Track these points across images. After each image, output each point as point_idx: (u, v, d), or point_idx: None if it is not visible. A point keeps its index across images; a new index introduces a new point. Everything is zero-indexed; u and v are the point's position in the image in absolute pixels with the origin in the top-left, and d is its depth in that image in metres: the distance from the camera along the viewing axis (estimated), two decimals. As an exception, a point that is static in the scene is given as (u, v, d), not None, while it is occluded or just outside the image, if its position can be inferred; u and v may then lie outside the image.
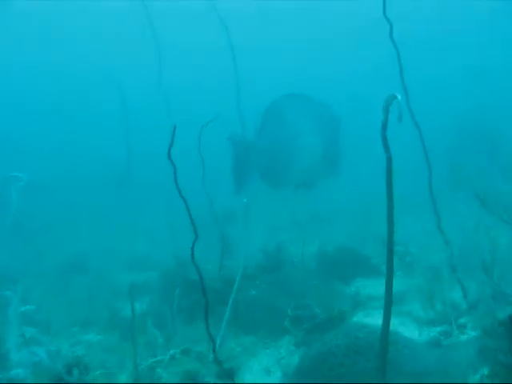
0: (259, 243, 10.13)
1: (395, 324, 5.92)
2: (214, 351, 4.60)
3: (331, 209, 14.43)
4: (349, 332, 4.80)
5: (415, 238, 9.93)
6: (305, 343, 5.69)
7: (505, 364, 3.83)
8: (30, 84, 31.86)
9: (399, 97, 3.41)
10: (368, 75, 26.63)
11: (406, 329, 5.89)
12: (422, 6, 23.48)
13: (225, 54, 10.19)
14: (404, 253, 8.03)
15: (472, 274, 6.74)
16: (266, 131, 6.72)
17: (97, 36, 25.61)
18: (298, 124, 7.05)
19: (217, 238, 8.86)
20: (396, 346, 4.54)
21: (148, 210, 14.43)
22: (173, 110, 10.85)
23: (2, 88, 31.64)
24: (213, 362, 4.96)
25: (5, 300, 6.28)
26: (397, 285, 7.46)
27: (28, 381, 4.90)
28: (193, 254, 4.31)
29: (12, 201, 10.77)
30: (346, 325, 5.33)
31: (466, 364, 4.41)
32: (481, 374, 4.22)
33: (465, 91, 18.07)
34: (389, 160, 3.70)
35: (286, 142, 7.13)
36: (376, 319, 6.28)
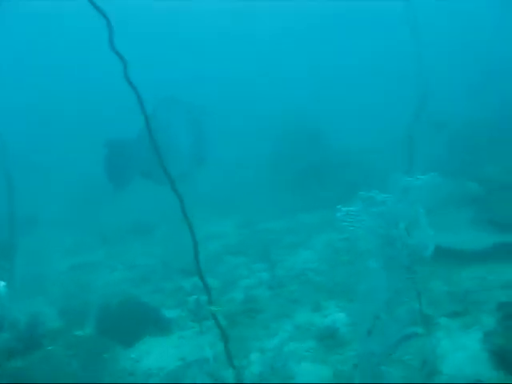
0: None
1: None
2: None
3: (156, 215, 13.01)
4: None
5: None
6: None
7: None
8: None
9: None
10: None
11: None
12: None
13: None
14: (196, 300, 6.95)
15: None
16: (146, 133, 7.05)
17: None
18: (173, 125, 8.86)
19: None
20: None
21: None
22: None
23: None
24: None
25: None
26: (185, 347, 6.48)
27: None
28: None
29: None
30: None
31: None
32: None
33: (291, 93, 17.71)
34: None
35: (162, 141, 7.73)
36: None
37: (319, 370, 5.03)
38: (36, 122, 21.72)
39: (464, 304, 5.70)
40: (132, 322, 6.63)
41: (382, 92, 17.56)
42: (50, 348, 5.71)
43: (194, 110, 12.48)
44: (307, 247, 9.03)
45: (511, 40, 15.61)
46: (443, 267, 6.75)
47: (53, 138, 19.86)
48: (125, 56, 4.40)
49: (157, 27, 25.81)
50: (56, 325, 6.66)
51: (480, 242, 7.28)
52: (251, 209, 11.97)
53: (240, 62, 26.47)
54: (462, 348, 4.74)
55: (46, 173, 16.45)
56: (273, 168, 12.96)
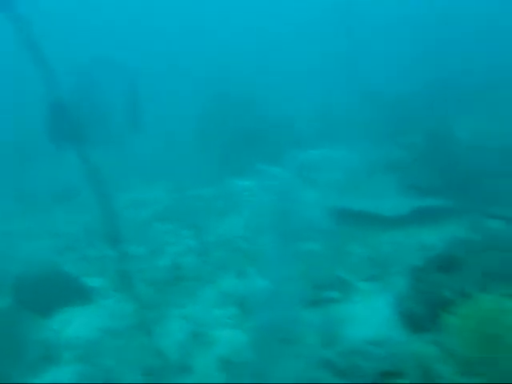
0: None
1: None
2: None
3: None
4: None
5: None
6: None
7: None
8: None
9: None
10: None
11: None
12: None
13: None
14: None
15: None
16: (78, 93, 7.79)
17: None
18: (105, 86, 8.71)
19: None
20: None
21: None
22: None
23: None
24: None
25: None
26: (107, 317, 6.36)
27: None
28: None
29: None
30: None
31: None
32: None
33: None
34: None
35: (95, 103, 8.56)
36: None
37: (237, 336, 5.10)
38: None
39: (379, 268, 5.90)
40: (53, 291, 6.44)
41: (316, 64, 17.60)
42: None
43: (128, 72, 11.99)
44: (235, 214, 9.00)
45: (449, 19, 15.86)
46: (363, 232, 6.95)
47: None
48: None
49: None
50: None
51: (401, 207, 7.51)
52: (181, 175, 11.78)
53: (179, 23, 25.66)
54: (372, 312, 4.92)
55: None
56: (203, 133, 12.72)
